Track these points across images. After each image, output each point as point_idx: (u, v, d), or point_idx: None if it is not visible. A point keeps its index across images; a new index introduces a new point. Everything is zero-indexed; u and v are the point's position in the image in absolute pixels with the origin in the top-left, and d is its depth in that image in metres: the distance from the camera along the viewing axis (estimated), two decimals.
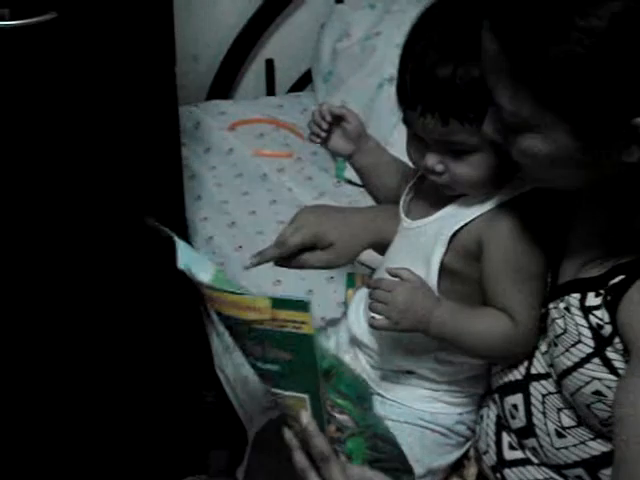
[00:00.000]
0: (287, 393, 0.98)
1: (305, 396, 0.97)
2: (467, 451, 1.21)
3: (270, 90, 2.54)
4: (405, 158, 1.17)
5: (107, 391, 1.79)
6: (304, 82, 2.56)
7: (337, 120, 1.22)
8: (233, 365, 1.68)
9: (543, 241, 1.09)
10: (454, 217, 1.12)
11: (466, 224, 1.10)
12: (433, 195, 1.14)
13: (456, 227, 1.10)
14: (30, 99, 1.51)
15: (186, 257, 1.00)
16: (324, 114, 1.21)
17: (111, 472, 1.85)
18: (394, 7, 2.31)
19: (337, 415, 1.03)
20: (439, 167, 1.08)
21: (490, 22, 0.90)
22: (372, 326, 1.10)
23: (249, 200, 2.00)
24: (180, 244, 1.02)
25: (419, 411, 1.17)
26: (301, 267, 1.23)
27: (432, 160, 1.08)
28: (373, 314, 1.09)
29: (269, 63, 2.51)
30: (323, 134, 1.22)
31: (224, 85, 2.47)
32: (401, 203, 1.21)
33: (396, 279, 1.08)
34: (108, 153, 1.61)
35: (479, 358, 1.14)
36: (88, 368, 1.76)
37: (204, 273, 0.99)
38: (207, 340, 1.81)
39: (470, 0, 1.05)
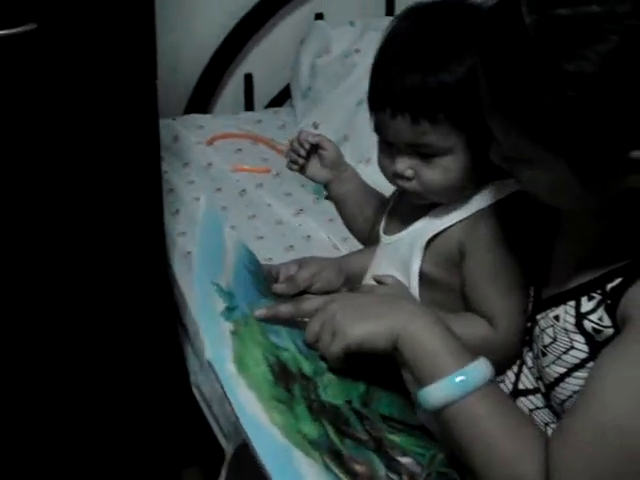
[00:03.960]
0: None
1: None
2: None
3: (249, 105, 2.54)
4: (383, 181, 1.16)
5: (79, 403, 1.77)
6: (283, 97, 2.57)
7: (314, 148, 1.24)
8: (210, 381, 1.66)
9: (524, 247, 1.09)
10: (429, 226, 1.12)
11: (443, 231, 1.11)
12: (409, 210, 1.15)
13: (431, 234, 1.11)
14: (9, 112, 1.50)
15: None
16: (302, 142, 1.23)
17: None
18: (374, 24, 2.33)
19: (401, 459, 1.02)
20: (409, 172, 1.08)
21: (480, 60, 0.91)
22: None
23: (228, 215, 1.99)
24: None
25: None
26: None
27: (402, 165, 1.08)
28: None
29: (248, 78, 2.51)
30: (301, 161, 1.23)
31: (203, 99, 2.47)
32: (381, 225, 1.21)
33: (378, 284, 1.10)
34: (87, 166, 1.60)
35: None
36: (58, 376, 1.73)
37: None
38: (182, 357, 1.79)
39: (445, 9, 1.07)
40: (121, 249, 1.69)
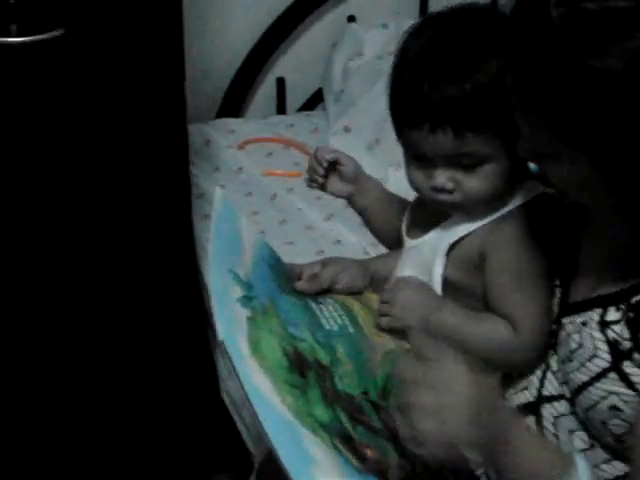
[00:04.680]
0: None
1: None
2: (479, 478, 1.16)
3: (281, 109, 2.52)
4: None
5: (109, 410, 1.77)
6: (315, 101, 2.55)
7: (333, 165, 1.23)
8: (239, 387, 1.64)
9: (550, 249, 1.08)
10: (452, 230, 1.11)
11: (466, 235, 1.10)
12: (432, 213, 1.14)
13: (454, 239, 1.10)
14: (37, 116, 1.50)
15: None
16: (319, 160, 1.22)
17: None
18: (407, 26, 2.29)
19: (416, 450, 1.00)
20: (450, 185, 1.07)
21: (507, 55, 0.90)
22: (376, 326, 1.12)
23: (258, 220, 1.98)
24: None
25: None
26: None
27: (442, 178, 1.06)
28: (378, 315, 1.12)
29: (280, 81, 2.49)
30: (320, 180, 1.24)
31: (234, 103, 2.46)
32: (403, 226, 1.20)
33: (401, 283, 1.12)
34: (116, 170, 1.60)
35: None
36: (89, 384, 1.74)
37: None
38: (213, 363, 1.78)
39: (461, 15, 1.06)
40: (150, 254, 1.69)
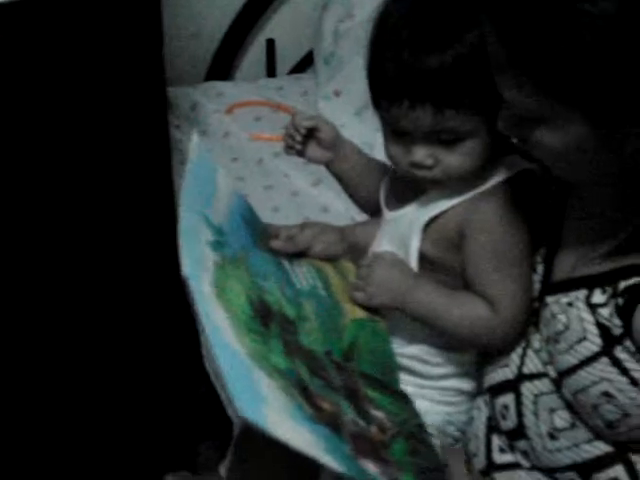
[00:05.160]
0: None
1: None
2: None
3: (271, 71, 2.48)
4: None
5: (97, 382, 1.76)
6: (306, 63, 2.50)
7: (311, 131, 1.21)
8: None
9: (529, 228, 1.06)
10: (430, 205, 1.09)
11: (444, 212, 1.08)
12: (410, 184, 1.11)
13: (431, 214, 1.08)
14: (12, 82, 1.47)
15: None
16: (297, 126, 1.20)
17: (99, 462, 1.81)
18: None
19: (373, 412, 1.00)
20: (429, 161, 1.04)
21: (488, 15, 0.87)
22: (351, 300, 1.11)
23: (243, 186, 1.95)
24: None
25: None
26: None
27: (421, 154, 1.04)
28: (353, 290, 1.11)
29: (270, 43, 2.45)
30: (298, 146, 1.21)
31: (223, 65, 2.43)
32: (381, 195, 1.18)
33: (377, 258, 1.09)
34: (94, 139, 1.57)
35: (457, 341, 1.11)
36: (79, 360, 1.73)
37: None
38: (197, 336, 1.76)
39: None
40: (132, 224, 1.66)
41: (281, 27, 2.45)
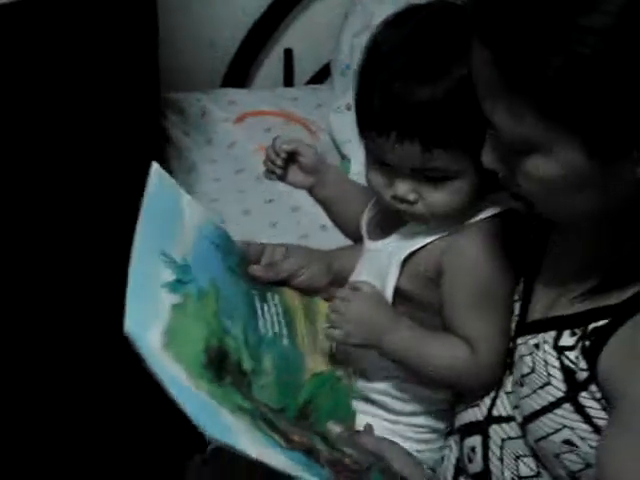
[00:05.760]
0: None
1: None
2: None
3: (288, 81, 2.44)
4: None
5: (96, 384, 1.74)
6: (325, 74, 2.46)
7: (292, 155, 1.17)
8: None
9: (509, 268, 1.02)
10: (410, 238, 1.05)
11: (423, 246, 1.04)
12: (392, 214, 1.07)
13: (409, 250, 1.04)
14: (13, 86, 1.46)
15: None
16: (278, 151, 1.16)
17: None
18: (418, 0, 2.19)
19: (344, 449, 0.97)
20: (412, 196, 1.00)
21: (479, 33, 0.82)
22: (326, 337, 1.06)
23: (244, 198, 1.92)
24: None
25: None
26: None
27: (404, 189, 1.00)
28: (327, 324, 1.05)
29: (288, 53, 2.41)
30: (278, 171, 1.17)
31: (239, 74, 2.39)
32: (363, 223, 1.14)
33: (355, 291, 1.04)
34: (89, 140, 1.55)
35: (434, 384, 1.07)
36: (75, 365, 1.72)
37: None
38: None
39: (443, 10, 0.97)
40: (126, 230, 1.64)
41: (300, 37, 2.41)
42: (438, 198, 0.99)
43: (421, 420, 1.10)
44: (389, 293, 1.06)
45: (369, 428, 1.05)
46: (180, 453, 1.83)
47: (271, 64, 2.43)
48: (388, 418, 1.10)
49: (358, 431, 1.04)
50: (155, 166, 1.00)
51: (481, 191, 1.01)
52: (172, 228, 0.98)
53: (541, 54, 0.77)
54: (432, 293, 1.05)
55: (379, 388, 1.09)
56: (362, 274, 1.11)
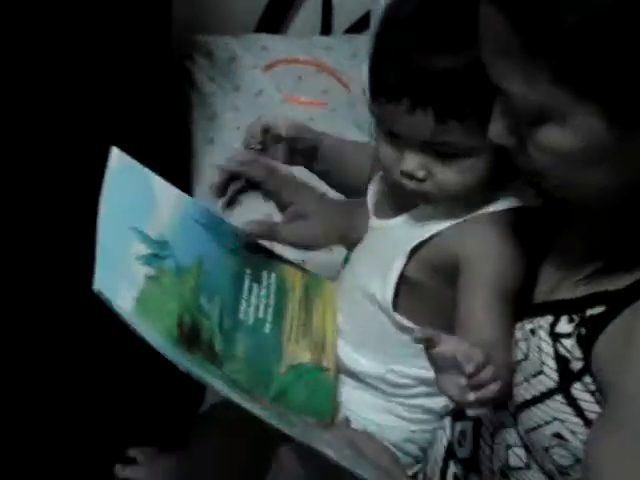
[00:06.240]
0: None
1: None
2: (415, 475, 1.09)
3: (326, 29, 2.35)
4: None
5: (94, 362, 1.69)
6: (364, 24, 2.36)
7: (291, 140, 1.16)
8: None
9: (524, 262, 0.96)
10: (420, 224, 1.00)
11: (435, 235, 0.99)
12: (400, 190, 1.01)
13: (419, 240, 0.99)
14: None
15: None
16: (254, 132, 1.15)
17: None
18: None
19: None
20: (421, 173, 0.95)
21: (498, 1, 0.76)
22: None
23: None
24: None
25: (366, 420, 1.06)
26: (272, 239, 1.14)
27: (412, 163, 0.94)
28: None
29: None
30: (258, 146, 1.15)
31: (276, 19, 2.31)
32: (369, 197, 1.10)
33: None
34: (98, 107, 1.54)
35: None
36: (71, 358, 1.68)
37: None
38: None
39: None
40: None
41: None
42: (448, 176, 0.94)
43: (418, 401, 1.07)
44: (392, 282, 1.01)
45: (346, 421, 1.01)
46: (182, 410, 1.84)
47: (309, 10, 2.34)
48: (382, 396, 1.07)
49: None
50: (115, 150, 0.99)
51: (496, 178, 0.95)
52: (145, 206, 0.97)
53: (555, 10, 0.72)
54: (437, 283, 1.00)
55: (374, 374, 1.06)
56: (364, 255, 1.09)
